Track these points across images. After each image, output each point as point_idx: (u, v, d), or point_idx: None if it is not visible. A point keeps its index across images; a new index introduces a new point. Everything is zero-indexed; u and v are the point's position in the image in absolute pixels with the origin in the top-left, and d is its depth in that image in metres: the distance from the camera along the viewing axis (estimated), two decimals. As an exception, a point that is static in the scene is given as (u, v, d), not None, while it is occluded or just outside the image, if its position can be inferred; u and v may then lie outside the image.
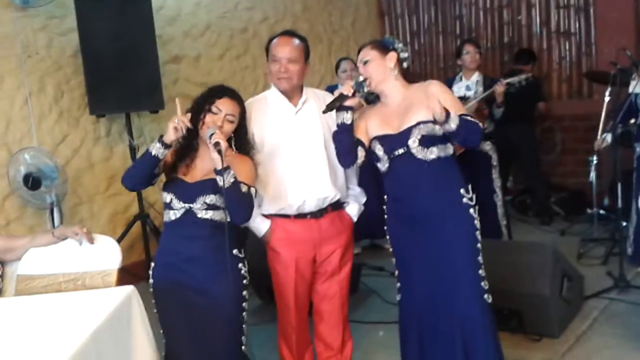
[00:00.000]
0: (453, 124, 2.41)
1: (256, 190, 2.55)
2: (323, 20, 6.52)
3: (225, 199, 2.39)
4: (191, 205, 2.47)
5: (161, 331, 2.51)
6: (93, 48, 4.41)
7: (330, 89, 5.26)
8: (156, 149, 2.39)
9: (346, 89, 2.52)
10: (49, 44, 4.55)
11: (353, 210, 2.89)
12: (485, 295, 2.57)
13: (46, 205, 4.32)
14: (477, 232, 2.58)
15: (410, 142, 2.52)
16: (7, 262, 2.74)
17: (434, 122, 2.48)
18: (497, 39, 6.57)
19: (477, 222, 2.59)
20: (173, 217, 2.49)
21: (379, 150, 2.61)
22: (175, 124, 2.36)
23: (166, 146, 2.39)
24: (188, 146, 2.52)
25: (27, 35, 4.41)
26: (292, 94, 2.76)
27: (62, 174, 4.33)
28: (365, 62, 2.60)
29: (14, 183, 4.20)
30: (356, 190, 2.94)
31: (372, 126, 2.65)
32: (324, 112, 2.57)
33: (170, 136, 2.37)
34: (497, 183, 4.72)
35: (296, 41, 2.72)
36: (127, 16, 4.50)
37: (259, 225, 2.77)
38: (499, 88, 4.49)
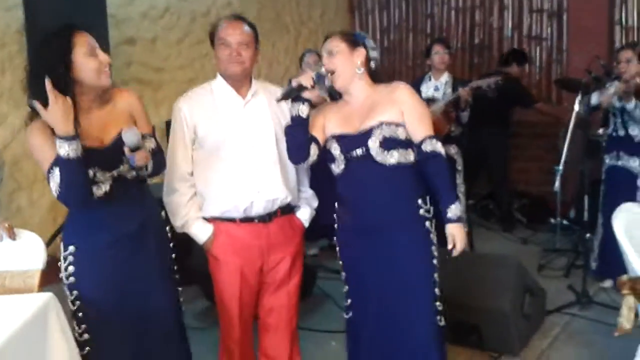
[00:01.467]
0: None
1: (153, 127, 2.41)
2: (291, 10, 6.28)
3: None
4: (118, 170, 2.17)
5: (83, 334, 2.20)
6: (38, 25, 4.08)
7: (294, 82, 5.05)
8: (66, 150, 1.97)
9: (306, 79, 2.32)
10: (-8, 18, 4.22)
11: (304, 214, 2.68)
12: (438, 317, 2.36)
13: (-20, 191, 4.00)
14: (434, 247, 2.39)
15: (370, 142, 2.33)
16: None
17: (397, 124, 2.33)
18: (468, 39, 6.43)
19: (433, 236, 2.40)
20: (100, 192, 2.14)
21: (335, 149, 2.40)
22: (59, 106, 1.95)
23: (73, 138, 1.99)
24: None
25: (-33, 8, 4.08)
26: (241, 84, 2.53)
27: (-3, 158, 4.00)
28: (332, 53, 2.39)
29: (-56, 167, 3.87)
30: (308, 192, 2.73)
31: (330, 124, 2.45)
32: (278, 100, 2.36)
33: (65, 125, 1.97)
34: (460, 188, 4.55)
35: (246, 27, 2.50)
36: (77, -7, 4.18)
37: (199, 230, 2.52)
38: (463, 92, 4.35)
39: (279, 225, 2.57)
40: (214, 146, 2.47)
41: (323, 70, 2.36)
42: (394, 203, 2.34)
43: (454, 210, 2.34)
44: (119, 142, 2.16)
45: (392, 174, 2.33)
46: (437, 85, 4.63)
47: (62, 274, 2.21)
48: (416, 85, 4.59)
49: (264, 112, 2.54)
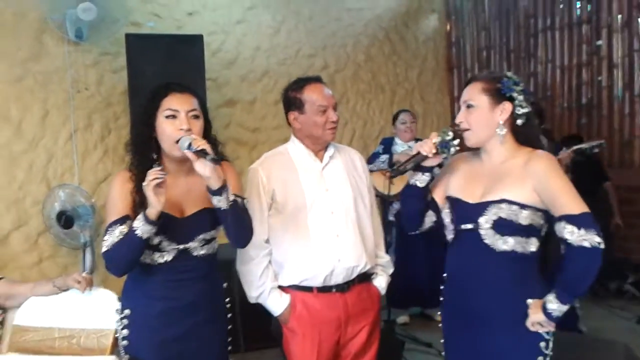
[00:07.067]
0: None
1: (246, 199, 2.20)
2: (387, 70, 6.25)
3: (227, 224, 2.01)
4: (186, 246, 2.09)
5: None
6: (141, 87, 4.27)
7: (386, 141, 4.97)
8: (142, 230, 1.92)
9: (427, 147, 2.01)
10: (100, 80, 4.49)
11: (381, 282, 2.54)
12: None
13: (79, 245, 4.17)
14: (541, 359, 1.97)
15: (481, 219, 1.97)
16: (8, 308, 2.56)
17: (523, 206, 1.93)
18: (574, 99, 6.10)
19: (544, 346, 1.96)
20: (161, 260, 2.09)
21: (446, 215, 2.10)
22: (153, 183, 1.87)
23: (154, 223, 1.93)
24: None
25: (78, 70, 4.37)
26: (321, 147, 2.47)
27: (98, 215, 4.17)
28: (469, 106, 2.03)
29: (48, 220, 4.08)
30: (385, 258, 2.59)
31: (453, 181, 2.12)
32: (391, 177, 2.15)
33: (156, 206, 1.90)
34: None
35: (329, 89, 2.46)
36: (178, 57, 4.37)
37: (275, 302, 2.39)
38: (563, 156, 4.05)
39: (357, 294, 2.44)
40: (293, 212, 2.38)
41: (449, 134, 2.00)
42: (499, 297, 1.97)
43: (557, 308, 1.88)
44: (197, 216, 2.10)
45: (502, 261, 1.96)
46: None
47: (119, 336, 2.18)
48: None
49: (342, 175, 2.47)
